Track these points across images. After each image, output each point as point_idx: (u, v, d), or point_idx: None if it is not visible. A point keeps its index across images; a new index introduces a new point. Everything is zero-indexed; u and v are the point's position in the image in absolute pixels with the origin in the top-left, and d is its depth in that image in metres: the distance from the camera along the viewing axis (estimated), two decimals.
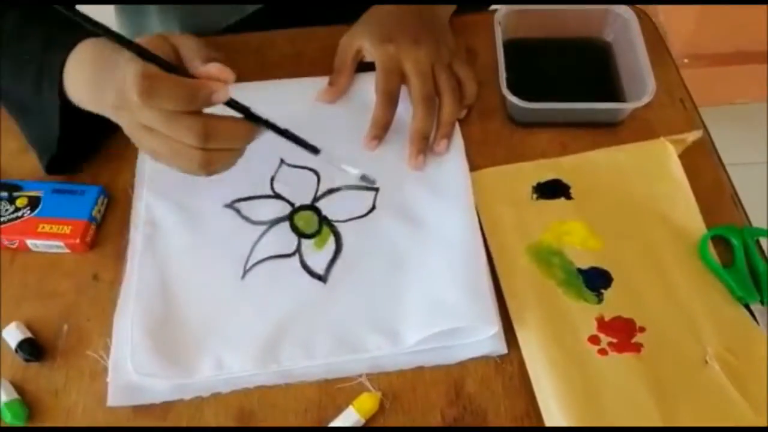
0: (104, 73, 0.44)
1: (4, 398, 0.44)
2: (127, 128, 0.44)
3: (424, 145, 0.54)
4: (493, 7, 0.66)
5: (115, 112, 0.43)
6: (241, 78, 0.60)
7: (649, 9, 1.60)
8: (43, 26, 0.50)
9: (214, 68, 0.42)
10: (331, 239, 0.50)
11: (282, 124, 0.56)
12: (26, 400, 0.45)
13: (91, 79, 0.46)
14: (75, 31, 0.48)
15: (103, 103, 0.45)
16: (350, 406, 0.43)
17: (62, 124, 0.49)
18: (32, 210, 0.52)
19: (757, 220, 0.53)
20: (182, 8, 0.68)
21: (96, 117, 0.47)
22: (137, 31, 0.75)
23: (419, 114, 0.54)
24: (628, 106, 0.56)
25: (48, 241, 0.51)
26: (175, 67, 0.42)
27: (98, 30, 0.41)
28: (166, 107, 0.40)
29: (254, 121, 0.44)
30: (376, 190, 0.53)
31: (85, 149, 0.55)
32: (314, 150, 0.46)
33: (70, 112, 0.49)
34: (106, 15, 0.61)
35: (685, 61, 1.51)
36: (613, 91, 0.60)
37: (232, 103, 0.43)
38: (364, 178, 0.50)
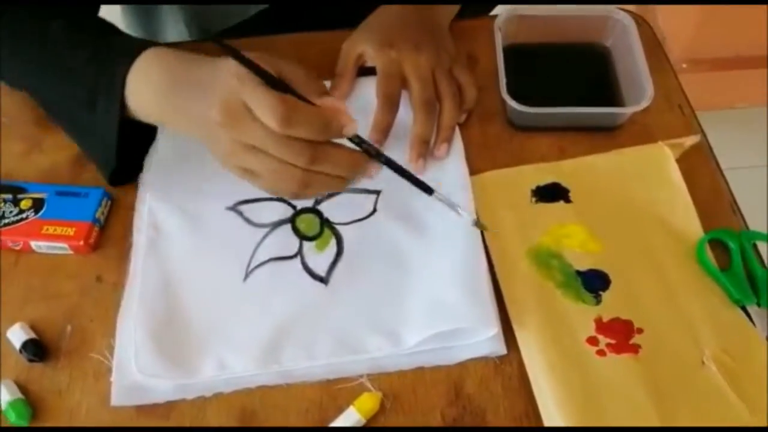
0: (193, 89, 0.43)
1: (8, 398, 0.45)
2: (226, 146, 0.42)
3: (425, 149, 0.55)
4: (493, 12, 0.67)
5: (214, 130, 0.42)
6: None
7: (649, 14, 1.62)
8: (92, 36, 0.48)
9: (336, 102, 0.42)
10: (333, 242, 0.51)
11: None
12: (30, 399, 0.45)
13: (168, 93, 0.44)
14: (126, 41, 0.48)
15: (192, 119, 0.44)
16: (351, 406, 0.44)
17: (121, 137, 0.48)
18: (36, 212, 0.52)
19: (758, 224, 0.54)
20: (187, 9, 0.68)
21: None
22: (144, 31, 0.75)
23: (420, 118, 0.55)
24: (626, 111, 0.57)
25: (52, 243, 0.51)
26: (303, 96, 0.41)
27: (241, 60, 0.41)
28: (300, 135, 0.40)
29: (370, 155, 0.43)
30: (377, 193, 0.53)
31: (143, 156, 0.54)
32: (428, 190, 0.46)
33: (129, 125, 0.47)
34: (112, 14, 0.62)
35: (684, 65, 1.52)
36: (611, 96, 0.60)
37: (355, 139, 0.43)
38: (477, 222, 0.48)
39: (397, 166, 0.44)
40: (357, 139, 0.42)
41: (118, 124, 0.47)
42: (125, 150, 0.50)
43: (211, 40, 0.41)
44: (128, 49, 0.46)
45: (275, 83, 0.40)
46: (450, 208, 0.46)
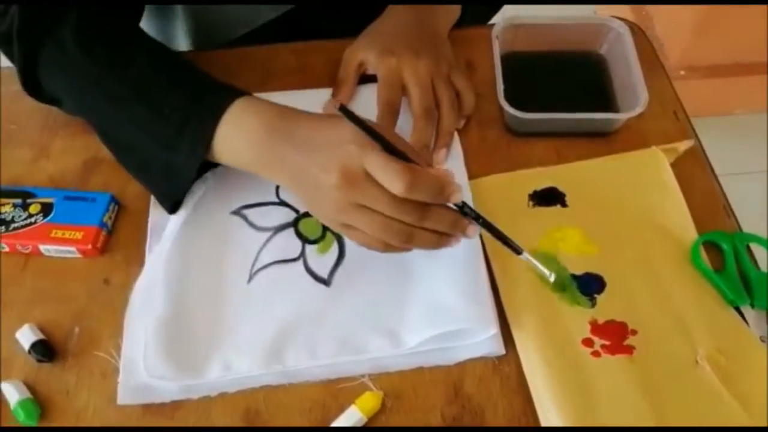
0: (299, 145, 0.44)
1: (17, 398, 0.45)
2: (338, 205, 0.43)
3: (426, 154, 0.56)
4: (491, 21, 0.68)
5: (327, 191, 0.43)
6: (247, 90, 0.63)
7: (646, 22, 1.63)
8: (183, 77, 0.49)
9: (444, 170, 0.45)
10: (335, 245, 0.52)
11: None
12: (39, 399, 0.46)
13: (265, 143, 0.46)
14: (218, 86, 0.49)
15: (295, 174, 0.45)
16: (353, 405, 0.45)
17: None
18: (45, 216, 0.53)
19: (757, 228, 0.55)
20: (196, 19, 0.70)
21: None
22: (153, 33, 0.77)
23: (419, 125, 0.56)
24: (621, 117, 0.58)
25: (60, 247, 0.52)
26: (413, 160, 0.43)
27: (363, 128, 0.43)
28: (420, 199, 0.42)
29: (470, 217, 0.46)
30: None
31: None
32: (517, 251, 0.47)
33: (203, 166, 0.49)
34: None
35: (682, 72, 1.53)
36: (607, 103, 0.61)
37: (459, 203, 0.45)
38: (556, 281, 0.49)
39: (494, 226, 0.46)
40: (462, 204, 0.45)
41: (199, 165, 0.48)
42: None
43: (339, 110, 0.43)
44: (222, 95, 0.47)
45: (392, 150, 0.43)
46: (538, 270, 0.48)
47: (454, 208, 0.45)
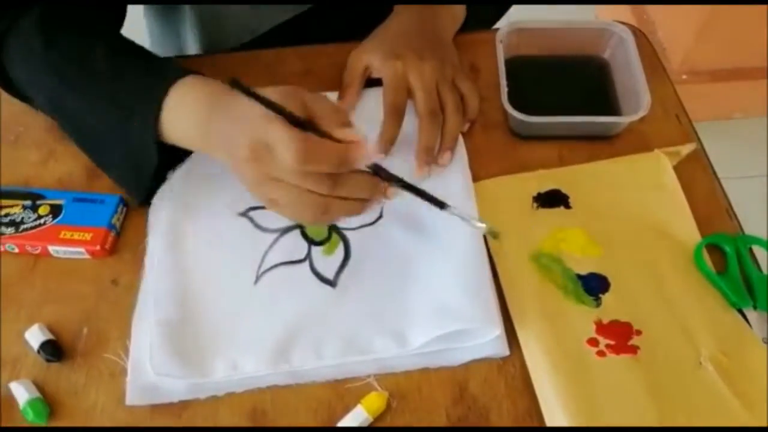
0: (228, 123, 0.45)
1: (26, 397, 0.46)
2: (250, 178, 0.44)
3: (430, 157, 0.56)
4: (495, 26, 0.69)
5: (242, 165, 0.44)
6: None
7: (649, 27, 1.64)
8: (136, 62, 0.51)
9: (353, 135, 0.44)
10: (340, 246, 0.53)
11: None
12: (47, 399, 0.47)
13: (206, 122, 0.47)
14: (165, 68, 0.50)
15: (225, 151, 0.46)
16: (359, 405, 0.45)
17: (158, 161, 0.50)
18: (54, 218, 0.54)
19: (759, 231, 0.55)
20: (204, 24, 0.70)
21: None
22: (169, 47, 0.78)
23: (424, 128, 0.57)
24: (624, 120, 0.59)
25: (69, 248, 0.53)
26: (314, 125, 0.43)
27: (253, 97, 0.43)
28: (318, 170, 0.42)
29: (387, 179, 0.45)
30: None
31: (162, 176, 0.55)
32: (442, 205, 0.47)
33: (164, 150, 0.50)
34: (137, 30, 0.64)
35: (684, 77, 1.54)
36: (610, 106, 0.62)
37: (372, 167, 0.45)
38: (491, 231, 0.48)
39: (413, 186, 0.46)
40: (374, 167, 0.44)
41: (156, 145, 0.49)
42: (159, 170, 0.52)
43: (229, 82, 0.42)
44: (169, 76, 0.48)
45: (297, 121, 0.42)
46: (464, 222, 0.47)
47: (369, 171, 0.44)
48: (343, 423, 0.45)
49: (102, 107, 0.50)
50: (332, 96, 0.62)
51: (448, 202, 0.54)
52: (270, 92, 0.43)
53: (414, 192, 0.46)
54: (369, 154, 0.43)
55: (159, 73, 0.49)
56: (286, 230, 0.53)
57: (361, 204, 0.46)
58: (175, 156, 0.53)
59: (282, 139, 0.41)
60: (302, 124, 0.43)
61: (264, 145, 0.42)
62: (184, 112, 0.48)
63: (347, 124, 0.44)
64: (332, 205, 0.44)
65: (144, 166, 0.51)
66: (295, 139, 0.41)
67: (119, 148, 0.51)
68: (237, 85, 0.42)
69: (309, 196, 0.43)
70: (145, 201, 0.54)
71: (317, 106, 0.44)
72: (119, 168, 0.53)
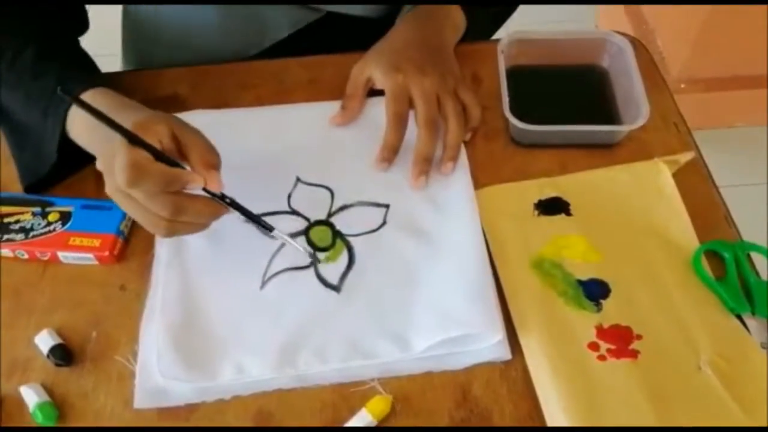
0: (100, 131, 0.48)
1: (36, 400, 0.47)
2: (108, 188, 0.48)
3: (427, 167, 0.57)
4: (496, 36, 0.70)
5: (103, 173, 0.48)
6: (259, 102, 0.65)
7: (648, 36, 1.66)
8: (55, 68, 0.55)
9: (202, 177, 0.47)
10: (345, 252, 0.53)
11: (299, 145, 0.60)
12: (57, 402, 0.47)
13: (92, 132, 0.52)
14: (85, 73, 0.55)
15: (96, 155, 0.51)
16: (363, 408, 0.46)
17: (59, 153, 0.55)
18: (64, 224, 0.55)
19: (757, 239, 0.55)
20: (211, 38, 0.72)
21: (82, 151, 0.54)
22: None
23: (423, 137, 0.57)
24: (623, 129, 0.60)
25: (78, 254, 0.54)
26: (162, 154, 0.46)
27: (93, 114, 0.46)
28: (147, 190, 0.45)
29: (222, 201, 0.49)
30: (387, 206, 0.56)
31: (64, 174, 0.59)
32: (270, 228, 0.51)
33: (67, 144, 0.54)
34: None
35: (683, 86, 1.55)
36: (609, 115, 0.63)
37: (205, 190, 0.48)
38: (313, 256, 0.53)
39: (243, 208, 0.50)
40: (206, 191, 0.48)
41: (59, 140, 0.54)
42: (58, 164, 0.56)
43: (61, 91, 0.47)
44: (79, 86, 0.53)
45: (135, 140, 0.46)
46: (292, 246, 0.52)
47: (207, 195, 0.48)
48: (348, 426, 0.45)
49: (23, 101, 0.56)
50: (336, 105, 0.63)
51: (451, 209, 0.56)
52: (136, 115, 0.48)
53: (244, 213, 0.50)
54: (196, 184, 0.47)
55: (72, 81, 0.55)
56: (291, 237, 0.54)
57: (201, 226, 0.50)
58: (75, 157, 0.56)
59: (118, 160, 0.44)
60: (159, 156, 0.46)
61: (111, 161, 0.45)
62: (82, 120, 0.53)
63: (210, 165, 0.48)
64: (177, 228, 0.48)
65: (45, 155, 0.55)
66: (128, 161, 0.44)
67: (32, 136, 0.56)
68: (77, 100, 0.47)
69: (153, 218, 0.46)
70: (32, 188, 0.57)
71: (187, 141, 0.48)
72: (26, 151, 0.58)
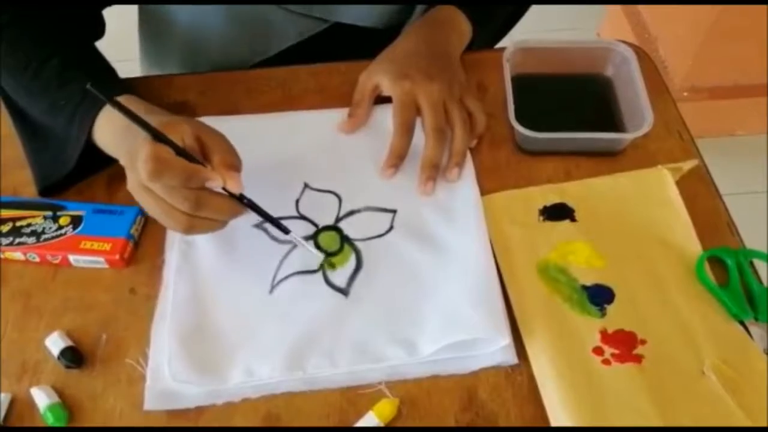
0: (129, 135, 0.50)
1: (46, 402, 0.47)
2: (130, 184, 0.49)
3: (434, 173, 0.58)
4: (501, 45, 0.71)
5: (126, 171, 0.50)
6: (268, 109, 0.66)
7: (650, 45, 1.67)
8: (81, 76, 0.56)
9: (222, 176, 0.48)
10: (353, 256, 0.54)
11: (307, 151, 0.61)
12: (67, 403, 0.48)
13: (118, 138, 0.54)
14: (110, 83, 0.56)
15: (119, 157, 0.53)
16: (370, 411, 0.46)
17: (78, 160, 0.56)
18: (75, 228, 0.55)
19: (759, 245, 0.56)
20: (218, 41, 0.73)
21: (99, 158, 0.56)
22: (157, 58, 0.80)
23: (430, 144, 0.58)
24: (627, 137, 0.60)
25: (89, 257, 0.54)
26: (185, 151, 0.48)
27: (124, 113, 0.48)
28: (168, 184, 0.46)
29: (240, 201, 0.50)
30: (394, 211, 0.57)
31: (79, 178, 0.60)
32: (286, 231, 0.52)
33: (86, 150, 0.56)
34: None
35: (685, 94, 1.56)
36: (614, 123, 0.64)
37: (225, 190, 0.49)
38: (327, 261, 0.54)
39: (258, 207, 0.51)
40: (225, 190, 0.49)
41: (82, 148, 0.55)
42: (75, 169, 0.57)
43: (89, 86, 0.48)
44: (108, 94, 0.54)
45: (159, 137, 0.47)
46: (303, 248, 0.53)
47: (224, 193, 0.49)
48: None
49: (48, 108, 0.57)
50: (343, 112, 0.63)
51: (457, 214, 0.56)
52: (159, 116, 0.50)
53: (261, 214, 0.51)
54: (216, 180, 0.47)
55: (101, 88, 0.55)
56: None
57: (220, 223, 0.50)
58: (91, 162, 0.57)
59: (141, 153, 0.45)
60: (181, 152, 0.47)
61: (134, 155, 0.47)
62: (108, 127, 0.54)
63: (231, 166, 0.49)
64: (196, 224, 0.48)
65: (66, 160, 0.57)
66: (151, 154, 0.45)
67: (52, 141, 0.58)
68: (115, 103, 0.48)
69: (173, 212, 0.47)
70: (47, 191, 0.58)
71: (211, 142, 0.49)
72: (45, 154, 0.59)
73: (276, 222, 0.52)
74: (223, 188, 0.48)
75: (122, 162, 0.50)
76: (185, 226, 0.48)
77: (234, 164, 0.49)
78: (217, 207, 0.48)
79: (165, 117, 0.52)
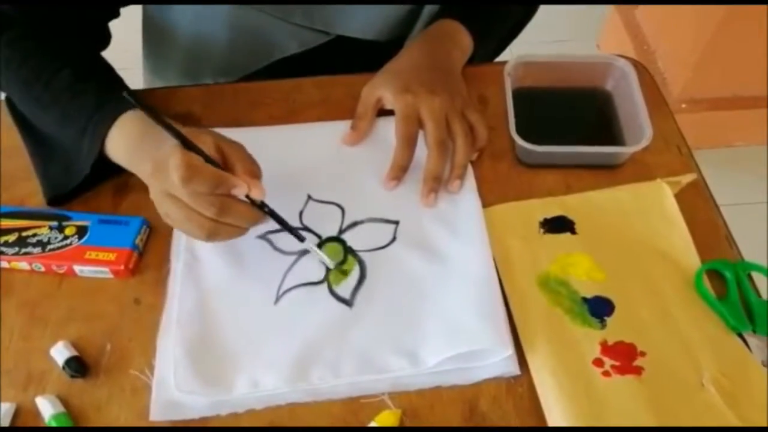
0: (146, 146, 0.53)
1: (51, 411, 0.47)
2: (153, 191, 0.50)
3: (437, 185, 0.59)
4: (503, 59, 0.72)
5: (148, 178, 0.51)
6: (271, 121, 0.67)
7: (649, 57, 1.68)
8: (93, 88, 0.58)
9: (247, 184, 0.50)
10: (356, 268, 0.55)
11: (310, 163, 0.62)
12: (72, 413, 0.48)
13: (133, 148, 0.55)
14: (119, 98, 0.57)
15: (139, 168, 0.55)
16: (373, 422, 0.47)
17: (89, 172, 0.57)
18: (80, 238, 0.56)
19: (758, 257, 0.57)
20: (220, 49, 0.74)
21: (107, 168, 0.57)
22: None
23: (432, 156, 0.59)
24: (627, 150, 0.61)
25: (94, 267, 0.55)
26: (212, 159, 0.49)
27: (159, 122, 0.49)
28: (197, 190, 0.48)
29: (261, 209, 0.52)
30: (396, 223, 0.57)
31: (86, 188, 0.61)
32: (301, 239, 0.54)
33: (96, 161, 0.57)
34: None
35: (684, 106, 1.57)
36: (613, 137, 0.64)
37: (248, 197, 0.51)
38: (338, 268, 0.55)
39: (277, 215, 0.53)
40: (248, 198, 0.50)
41: (96, 157, 0.56)
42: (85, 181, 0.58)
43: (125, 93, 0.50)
44: (118, 107, 0.56)
45: (188, 145, 0.49)
46: (319, 257, 0.55)
47: (247, 201, 0.50)
48: None
49: (59, 119, 0.58)
50: (346, 125, 0.64)
51: (459, 225, 0.57)
52: (192, 132, 0.50)
53: (279, 222, 0.53)
54: (242, 187, 0.49)
55: (111, 102, 0.57)
56: (304, 252, 0.55)
57: (242, 230, 0.52)
58: (99, 172, 0.58)
59: (172, 160, 0.47)
60: (209, 160, 0.49)
61: (162, 163, 0.48)
62: (121, 138, 0.56)
63: (252, 173, 0.51)
64: (219, 230, 0.50)
65: (76, 171, 0.58)
66: (182, 161, 0.47)
67: (61, 152, 0.59)
68: (147, 109, 0.49)
69: (198, 218, 0.49)
70: (55, 201, 0.59)
71: (230, 152, 0.51)
72: (53, 167, 0.60)
73: (293, 230, 0.53)
74: (246, 196, 0.50)
75: (143, 170, 0.51)
76: (209, 231, 0.49)
77: (255, 173, 0.51)
78: (240, 213, 0.50)
79: (185, 128, 0.53)
